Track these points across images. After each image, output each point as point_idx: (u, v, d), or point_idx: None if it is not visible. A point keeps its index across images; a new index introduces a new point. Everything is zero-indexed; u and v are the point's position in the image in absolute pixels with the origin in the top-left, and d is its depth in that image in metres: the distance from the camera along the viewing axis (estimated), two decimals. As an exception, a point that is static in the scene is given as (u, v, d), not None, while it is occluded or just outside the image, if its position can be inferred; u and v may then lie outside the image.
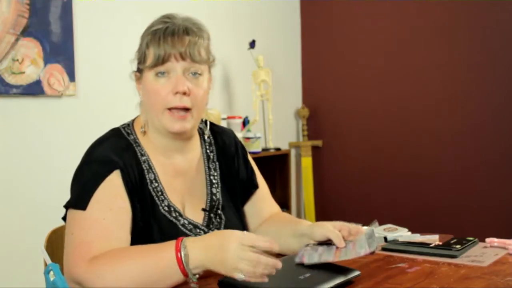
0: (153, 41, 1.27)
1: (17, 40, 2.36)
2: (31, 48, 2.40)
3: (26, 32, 2.38)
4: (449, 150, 3.46)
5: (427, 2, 3.48)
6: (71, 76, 2.56)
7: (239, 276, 1.05)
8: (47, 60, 2.46)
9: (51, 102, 2.53)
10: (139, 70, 1.33)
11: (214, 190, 1.39)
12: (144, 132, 1.33)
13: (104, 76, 2.74)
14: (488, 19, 3.29)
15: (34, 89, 2.43)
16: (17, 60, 2.36)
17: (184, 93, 1.26)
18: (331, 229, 1.24)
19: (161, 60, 1.26)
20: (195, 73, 1.29)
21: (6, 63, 2.32)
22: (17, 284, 2.33)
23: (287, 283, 1.10)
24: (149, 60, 1.28)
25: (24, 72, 2.38)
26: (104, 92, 2.74)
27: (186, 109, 1.27)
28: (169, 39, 1.26)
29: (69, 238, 1.17)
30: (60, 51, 2.51)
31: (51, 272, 1.04)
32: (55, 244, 1.42)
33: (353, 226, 1.26)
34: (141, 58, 1.31)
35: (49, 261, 1.07)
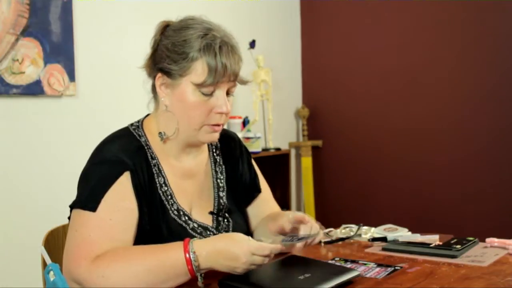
0: (208, 55, 1.22)
1: (17, 40, 2.36)
2: (31, 48, 2.40)
3: (26, 32, 2.38)
4: (450, 150, 3.46)
5: (427, 2, 3.48)
6: (71, 76, 2.56)
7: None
8: (47, 60, 2.46)
9: (51, 102, 2.53)
10: (169, 75, 1.26)
11: (221, 194, 1.40)
12: (165, 141, 1.30)
13: (104, 76, 2.74)
14: (485, 19, 3.29)
15: (34, 89, 2.43)
16: (17, 60, 2.36)
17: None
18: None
19: (216, 82, 1.22)
20: (231, 94, 1.30)
21: (6, 63, 2.32)
22: (15, 284, 2.32)
23: (287, 283, 1.10)
24: (199, 75, 1.22)
25: (24, 72, 2.38)
26: (104, 92, 2.74)
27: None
28: (225, 58, 1.23)
29: (72, 235, 1.16)
30: (60, 51, 2.51)
31: (51, 272, 1.04)
32: (53, 245, 1.41)
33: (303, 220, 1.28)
34: (183, 68, 1.23)
35: (48, 261, 1.07)
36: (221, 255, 1.10)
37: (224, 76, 1.24)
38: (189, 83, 1.24)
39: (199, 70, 1.23)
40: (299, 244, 1.25)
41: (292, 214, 1.29)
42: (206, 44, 1.23)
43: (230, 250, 1.10)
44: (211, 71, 1.22)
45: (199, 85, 1.23)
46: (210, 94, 1.25)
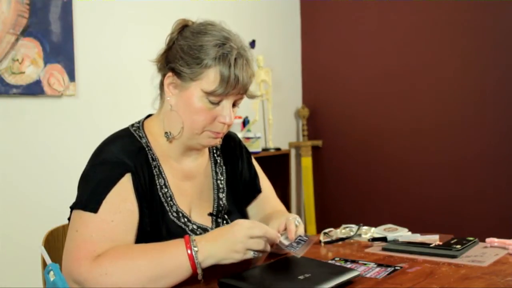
0: (222, 65, 1.22)
1: (17, 40, 2.36)
2: (31, 48, 2.40)
3: (26, 32, 2.38)
4: (450, 150, 3.46)
5: (428, 3, 3.48)
6: (71, 76, 2.56)
7: (251, 254, 1.14)
8: (47, 60, 2.46)
9: (51, 102, 2.53)
10: (180, 76, 1.26)
11: (220, 195, 1.40)
12: (171, 140, 1.31)
13: (104, 76, 2.74)
14: (486, 19, 3.29)
15: (34, 89, 2.43)
16: (17, 60, 2.36)
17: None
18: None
19: (225, 92, 1.23)
20: (237, 105, 1.31)
21: (6, 63, 2.33)
22: (15, 284, 2.33)
23: (287, 283, 1.10)
24: (210, 83, 1.22)
25: (24, 72, 2.38)
26: (104, 92, 2.74)
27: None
28: (238, 70, 1.23)
29: (72, 235, 1.16)
30: (60, 51, 2.51)
31: (51, 272, 1.04)
32: (53, 245, 1.41)
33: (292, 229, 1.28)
34: (195, 73, 1.23)
35: (48, 261, 1.07)
36: (220, 239, 1.13)
37: (235, 89, 1.24)
38: (198, 89, 1.24)
39: (211, 78, 1.22)
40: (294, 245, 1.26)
41: (279, 222, 1.30)
42: (222, 54, 1.23)
43: (225, 229, 1.15)
44: (223, 81, 1.22)
45: (208, 93, 1.23)
46: (217, 103, 1.25)
